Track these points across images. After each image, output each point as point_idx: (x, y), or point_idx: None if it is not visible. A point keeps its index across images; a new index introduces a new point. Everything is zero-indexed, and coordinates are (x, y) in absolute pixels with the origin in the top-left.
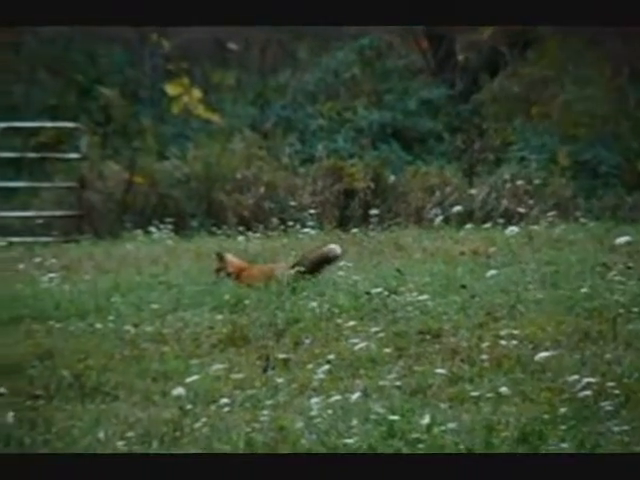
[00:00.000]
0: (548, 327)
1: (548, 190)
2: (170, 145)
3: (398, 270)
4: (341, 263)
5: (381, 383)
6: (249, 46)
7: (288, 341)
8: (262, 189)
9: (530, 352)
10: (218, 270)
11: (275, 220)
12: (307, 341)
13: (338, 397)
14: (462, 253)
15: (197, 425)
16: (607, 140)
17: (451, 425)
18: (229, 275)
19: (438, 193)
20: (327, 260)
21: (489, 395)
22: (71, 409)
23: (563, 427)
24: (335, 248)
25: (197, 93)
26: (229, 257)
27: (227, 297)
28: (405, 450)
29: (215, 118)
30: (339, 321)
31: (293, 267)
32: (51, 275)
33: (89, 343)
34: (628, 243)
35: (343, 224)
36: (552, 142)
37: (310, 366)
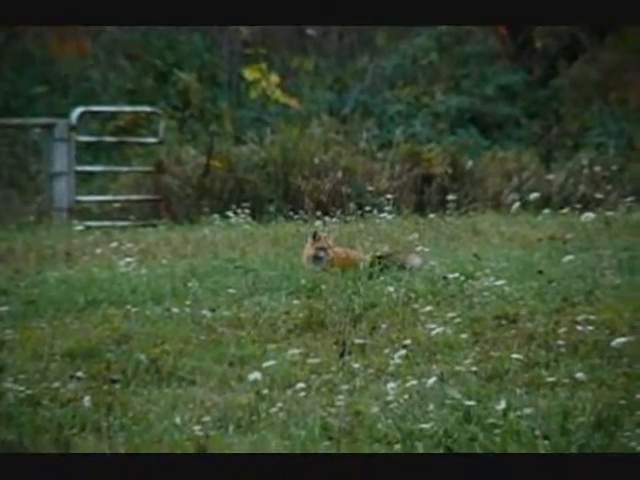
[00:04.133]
0: (625, 313)
1: (626, 175)
2: (248, 130)
3: (475, 255)
4: (418, 248)
5: (457, 368)
6: (327, 32)
7: (364, 326)
8: (339, 174)
9: (607, 338)
10: (319, 249)
11: (352, 205)
12: (384, 326)
13: (414, 382)
14: (539, 240)
15: (273, 410)
16: None
17: (527, 410)
18: (328, 260)
19: (515, 178)
20: (405, 268)
21: (565, 381)
22: (147, 393)
23: (639, 413)
24: (417, 262)
25: (275, 78)
26: (328, 240)
27: (303, 282)
28: (481, 436)
29: (293, 103)
30: (416, 306)
31: (376, 262)
32: (128, 259)
33: (166, 327)
34: None
35: (420, 209)
36: (630, 127)
37: (386, 351)
